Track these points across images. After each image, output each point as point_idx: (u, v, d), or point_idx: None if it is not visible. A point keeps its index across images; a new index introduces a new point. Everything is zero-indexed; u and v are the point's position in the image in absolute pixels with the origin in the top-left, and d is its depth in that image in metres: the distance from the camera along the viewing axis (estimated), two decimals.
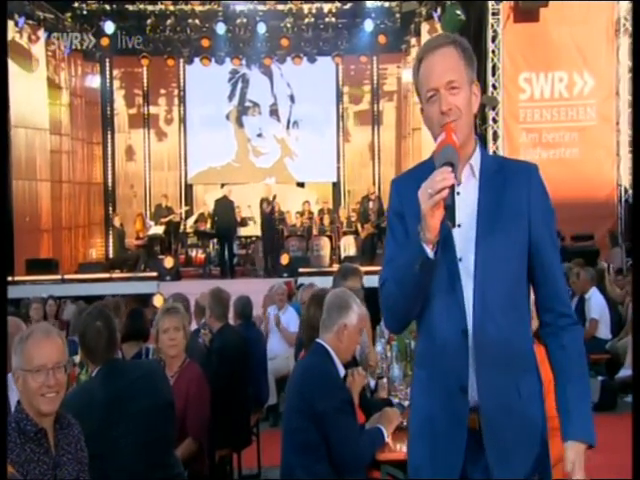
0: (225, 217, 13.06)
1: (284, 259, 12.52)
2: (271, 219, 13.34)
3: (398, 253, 1.94)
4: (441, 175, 1.76)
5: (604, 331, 7.32)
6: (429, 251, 1.81)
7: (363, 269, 5.00)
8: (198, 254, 14.73)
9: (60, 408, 2.41)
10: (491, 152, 12.27)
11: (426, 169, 1.93)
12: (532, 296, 2.02)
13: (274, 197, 13.76)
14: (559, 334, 1.96)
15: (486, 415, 1.91)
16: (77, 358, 4.01)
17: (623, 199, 12.19)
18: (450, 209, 1.76)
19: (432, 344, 1.97)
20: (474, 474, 1.93)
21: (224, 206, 13.06)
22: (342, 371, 3.18)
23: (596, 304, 7.33)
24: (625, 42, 12.13)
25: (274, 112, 17.17)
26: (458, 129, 1.89)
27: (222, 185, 14.05)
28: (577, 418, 1.92)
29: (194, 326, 5.57)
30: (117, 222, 15.05)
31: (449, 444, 1.92)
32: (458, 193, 1.85)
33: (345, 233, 14.74)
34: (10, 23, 12.72)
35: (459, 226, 1.89)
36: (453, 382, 1.92)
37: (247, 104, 17.20)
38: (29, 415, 2.35)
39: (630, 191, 11.90)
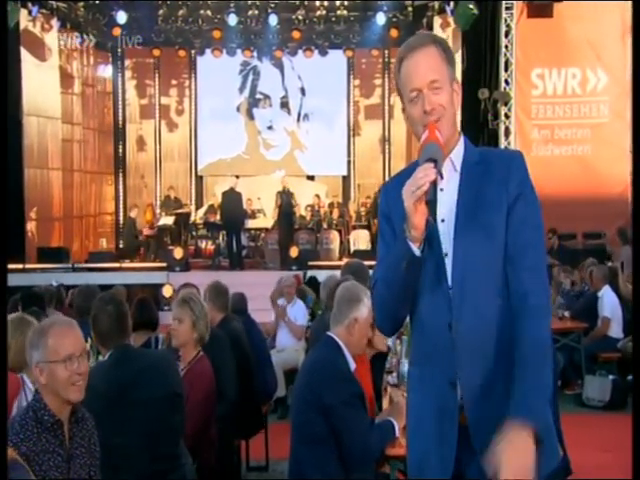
0: (232, 209, 13.09)
1: (293, 252, 12.54)
2: (289, 211, 13.41)
3: (387, 254, 1.96)
4: (423, 171, 1.77)
5: (616, 330, 7.27)
6: (415, 249, 1.82)
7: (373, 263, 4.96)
8: (207, 245, 14.78)
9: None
10: (503, 148, 12.22)
11: (412, 170, 1.93)
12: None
13: (286, 189, 13.83)
14: (514, 316, 1.87)
15: (472, 408, 1.90)
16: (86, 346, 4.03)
17: None
18: (432, 204, 1.78)
19: (423, 340, 1.98)
20: (469, 470, 1.93)
21: (231, 198, 13.09)
22: (352, 365, 3.17)
23: (608, 302, 7.28)
24: None
25: (285, 105, 17.15)
26: (441, 127, 1.90)
27: (237, 177, 14.10)
28: (527, 399, 1.78)
29: None
30: (133, 213, 15.11)
31: (441, 440, 1.92)
32: (441, 189, 1.86)
33: (355, 227, 14.74)
34: (23, 12, 12.77)
35: (442, 221, 1.90)
36: (442, 377, 1.92)
37: (258, 96, 17.19)
38: (47, 405, 2.35)
39: None
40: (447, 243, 1.92)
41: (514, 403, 1.78)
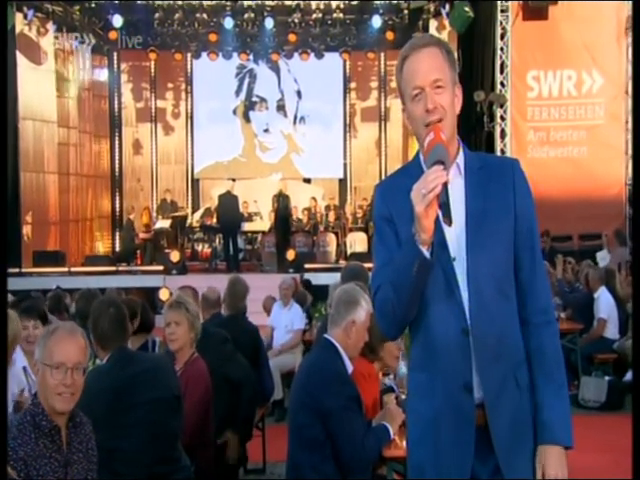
0: (229, 212, 13.11)
1: (290, 255, 12.55)
2: (285, 214, 13.42)
3: (390, 259, 1.94)
4: (434, 174, 1.76)
5: (612, 331, 7.29)
6: (425, 252, 1.81)
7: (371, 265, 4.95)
8: (204, 248, 14.78)
9: (74, 407, 2.42)
10: (499, 150, 12.26)
11: (411, 171, 1.96)
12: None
13: (283, 192, 13.85)
14: (534, 332, 1.99)
15: (492, 412, 1.92)
16: None
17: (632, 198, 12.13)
18: (445, 206, 1.77)
19: (432, 346, 1.96)
20: (483, 471, 1.94)
21: (228, 201, 13.11)
22: (350, 367, 3.18)
23: (605, 303, 7.30)
24: None
25: (281, 107, 17.18)
26: (443, 129, 1.90)
27: (234, 180, 14.15)
28: (555, 419, 1.95)
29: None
30: (132, 217, 15.13)
31: (458, 443, 1.93)
32: None
33: (351, 229, 14.74)
34: (19, 16, 12.75)
35: (450, 225, 1.90)
36: (457, 382, 1.92)
37: (254, 99, 17.21)
38: (45, 410, 2.35)
39: None
40: (455, 247, 1.93)
41: (550, 423, 1.94)
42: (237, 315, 5.20)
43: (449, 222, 1.79)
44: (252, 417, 4.58)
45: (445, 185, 1.76)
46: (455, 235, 1.92)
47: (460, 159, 2.00)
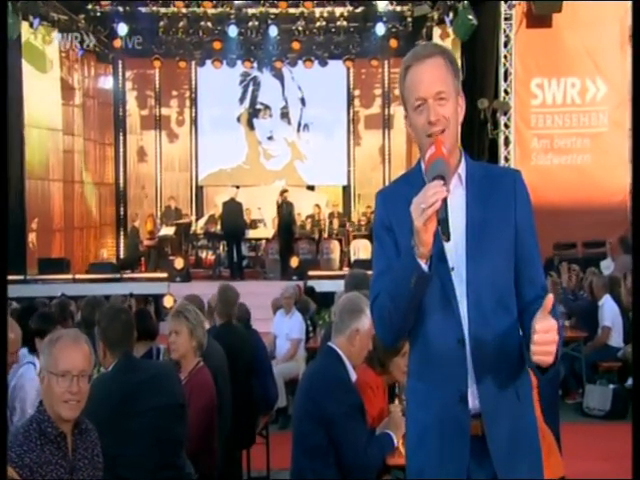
0: (233, 219, 13.13)
1: (294, 262, 12.56)
2: (289, 221, 13.43)
3: (389, 266, 1.94)
4: (433, 189, 1.75)
5: (616, 339, 7.28)
6: (424, 265, 1.80)
7: None
8: (208, 255, 14.79)
9: (80, 414, 2.42)
10: (502, 157, 12.27)
11: (412, 179, 1.96)
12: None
13: (285, 191, 13.82)
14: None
15: (490, 422, 1.92)
16: None
17: None
18: (444, 222, 1.76)
19: (428, 355, 1.97)
20: (480, 475, 1.93)
21: (232, 208, 13.14)
22: (353, 375, 3.18)
23: (609, 311, 7.30)
24: None
25: (285, 115, 17.23)
26: (445, 140, 1.90)
27: (237, 187, 14.18)
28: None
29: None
30: (137, 224, 15.18)
31: (453, 453, 1.93)
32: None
33: (355, 237, 14.75)
34: (24, 24, 12.82)
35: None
36: (453, 392, 1.92)
37: (258, 107, 17.26)
38: (50, 417, 2.36)
39: None
40: (454, 257, 1.92)
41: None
42: (231, 322, 5.16)
43: (447, 238, 1.78)
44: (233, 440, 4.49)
45: (444, 201, 1.75)
46: (454, 245, 1.91)
47: (462, 169, 2.00)
